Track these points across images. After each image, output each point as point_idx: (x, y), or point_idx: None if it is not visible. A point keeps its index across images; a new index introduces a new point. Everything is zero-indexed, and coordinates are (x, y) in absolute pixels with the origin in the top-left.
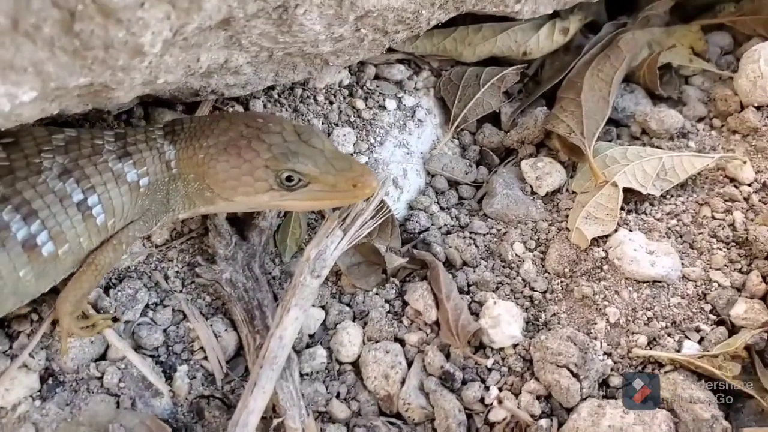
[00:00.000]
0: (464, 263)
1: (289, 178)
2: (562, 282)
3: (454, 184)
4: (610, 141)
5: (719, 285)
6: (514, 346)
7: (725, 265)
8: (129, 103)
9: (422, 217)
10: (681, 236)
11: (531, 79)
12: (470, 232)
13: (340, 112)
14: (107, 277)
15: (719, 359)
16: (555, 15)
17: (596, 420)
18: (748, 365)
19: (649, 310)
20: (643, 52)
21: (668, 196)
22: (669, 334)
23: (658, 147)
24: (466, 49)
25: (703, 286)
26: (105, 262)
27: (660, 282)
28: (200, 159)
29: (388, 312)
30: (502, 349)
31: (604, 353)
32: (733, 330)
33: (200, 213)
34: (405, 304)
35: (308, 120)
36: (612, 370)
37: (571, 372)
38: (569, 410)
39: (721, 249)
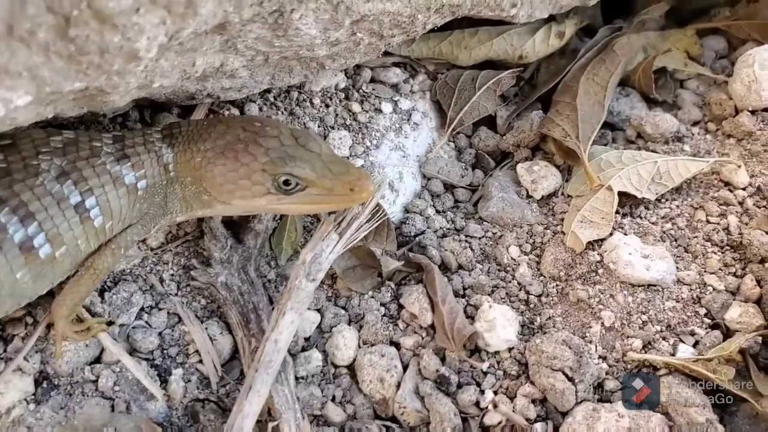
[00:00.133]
0: (460, 266)
1: (286, 182)
2: (557, 285)
3: (449, 187)
4: (605, 145)
5: (714, 289)
6: (510, 349)
7: (720, 269)
8: (124, 106)
9: (418, 221)
10: (676, 240)
11: (527, 83)
12: (466, 236)
13: (336, 115)
14: (103, 280)
15: (714, 363)
16: (551, 19)
17: (591, 424)
18: (743, 369)
19: (644, 314)
20: (639, 56)
21: (663, 200)
22: (664, 338)
23: (653, 151)
24: (462, 52)
25: (698, 290)
26: (103, 266)
27: (655, 286)
28: (198, 162)
29: (384, 315)
30: (497, 352)
31: (599, 357)
32: (727, 334)
33: (197, 216)
34: (400, 307)
35: (304, 123)
36: (607, 373)
37: (566, 376)
38: (564, 414)
39: (715, 253)
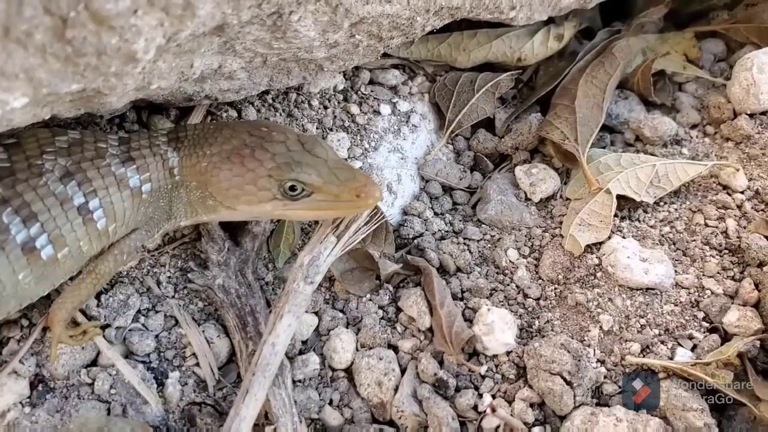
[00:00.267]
0: (458, 269)
1: (292, 188)
2: (555, 289)
3: (448, 189)
4: (603, 148)
5: (712, 292)
6: (508, 353)
7: (718, 273)
8: (122, 108)
9: (416, 223)
10: (674, 243)
11: (525, 85)
12: (464, 238)
13: (335, 117)
14: (104, 285)
15: (712, 367)
16: (550, 21)
17: (589, 428)
18: (741, 373)
19: (643, 318)
20: (637, 58)
21: (661, 204)
22: (662, 342)
23: (651, 154)
24: (460, 54)
25: (696, 294)
26: (105, 270)
27: (653, 289)
28: (203, 167)
29: (382, 318)
30: (495, 356)
31: (598, 361)
32: (725, 337)
33: (202, 221)
34: (399, 310)
35: (302, 125)
36: (605, 377)
37: (565, 379)
38: (562, 418)
39: (714, 256)
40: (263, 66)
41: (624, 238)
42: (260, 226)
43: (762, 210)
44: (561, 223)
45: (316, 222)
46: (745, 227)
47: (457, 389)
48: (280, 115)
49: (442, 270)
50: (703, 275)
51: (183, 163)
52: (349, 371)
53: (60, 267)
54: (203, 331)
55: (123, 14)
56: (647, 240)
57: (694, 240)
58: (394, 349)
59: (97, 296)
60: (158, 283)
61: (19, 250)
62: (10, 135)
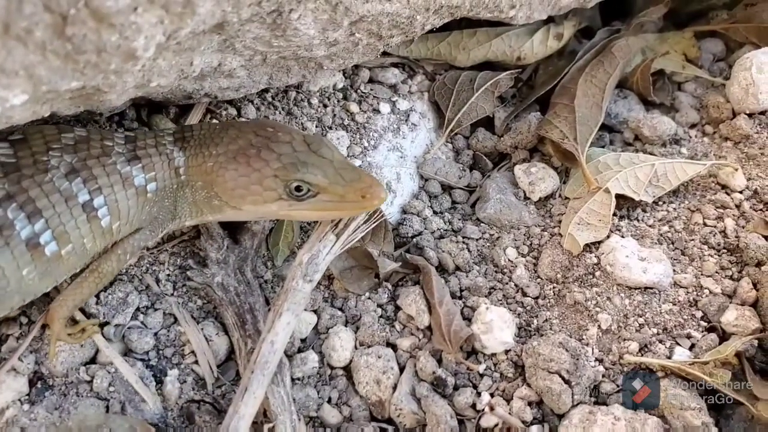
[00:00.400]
0: (457, 268)
1: (298, 188)
2: (554, 288)
3: (447, 188)
4: (603, 147)
5: (710, 292)
6: (506, 351)
7: (716, 272)
8: (121, 105)
9: (415, 222)
10: (673, 243)
11: (525, 84)
12: (463, 237)
13: (334, 115)
14: (106, 284)
15: (710, 366)
16: (549, 20)
17: (587, 426)
18: (739, 372)
19: (641, 317)
20: (637, 58)
21: (660, 203)
22: (660, 341)
23: (650, 153)
24: (460, 53)
25: (695, 293)
26: (108, 270)
27: (652, 288)
28: (209, 167)
29: (381, 317)
30: (494, 354)
31: (596, 359)
32: (723, 337)
33: (207, 221)
34: (397, 308)
35: (302, 123)
36: (603, 376)
37: (563, 378)
38: (561, 416)
39: (712, 256)
40: (263, 64)
41: (623, 237)
42: (259, 224)
43: (760, 209)
44: (560, 222)
45: (316, 220)
46: (743, 227)
47: (456, 388)
48: (280, 113)
49: (441, 268)
50: (702, 274)
51: (189, 162)
52: (347, 369)
53: (63, 263)
54: (202, 329)
55: (123, 12)
56: (646, 239)
57: (693, 239)
58: (393, 347)
59: (96, 294)
60: (157, 280)
61: (23, 246)
62: (15, 131)
